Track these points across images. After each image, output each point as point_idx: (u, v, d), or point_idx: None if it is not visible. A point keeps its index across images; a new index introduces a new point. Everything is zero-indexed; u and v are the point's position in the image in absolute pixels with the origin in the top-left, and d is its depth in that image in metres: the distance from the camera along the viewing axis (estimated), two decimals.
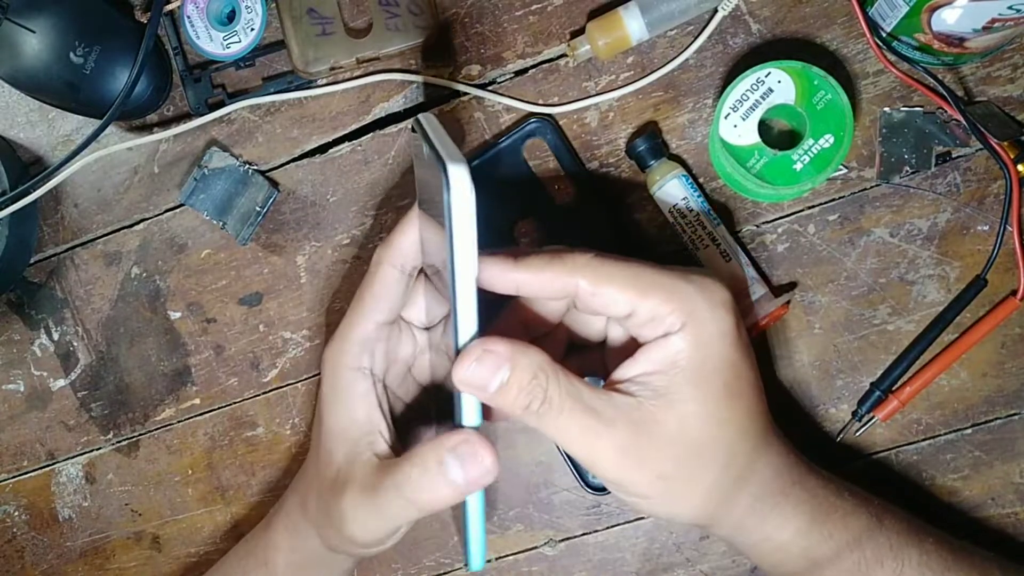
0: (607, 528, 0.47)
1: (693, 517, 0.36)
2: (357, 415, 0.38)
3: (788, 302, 0.44)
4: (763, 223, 0.45)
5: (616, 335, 0.39)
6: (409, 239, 0.37)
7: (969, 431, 0.44)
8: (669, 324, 0.33)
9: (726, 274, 0.43)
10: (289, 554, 0.42)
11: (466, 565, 0.35)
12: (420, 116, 0.34)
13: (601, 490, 0.46)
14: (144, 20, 0.48)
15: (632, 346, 0.35)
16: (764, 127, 0.41)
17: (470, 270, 0.31)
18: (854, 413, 0.44)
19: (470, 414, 0.33)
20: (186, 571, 0.52)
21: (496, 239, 0.47)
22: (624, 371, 0.35)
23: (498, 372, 0.32)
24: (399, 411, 0.42)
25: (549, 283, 0.34)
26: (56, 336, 0.52)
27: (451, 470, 0.32)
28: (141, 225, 0.51)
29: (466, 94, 0.47)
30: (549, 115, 0.46)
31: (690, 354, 0.33)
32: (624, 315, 0.34)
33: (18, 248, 0.51)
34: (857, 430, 0.44)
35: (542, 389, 0.32)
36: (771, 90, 0.41)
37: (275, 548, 0.43)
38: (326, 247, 0.49)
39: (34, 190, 0.48)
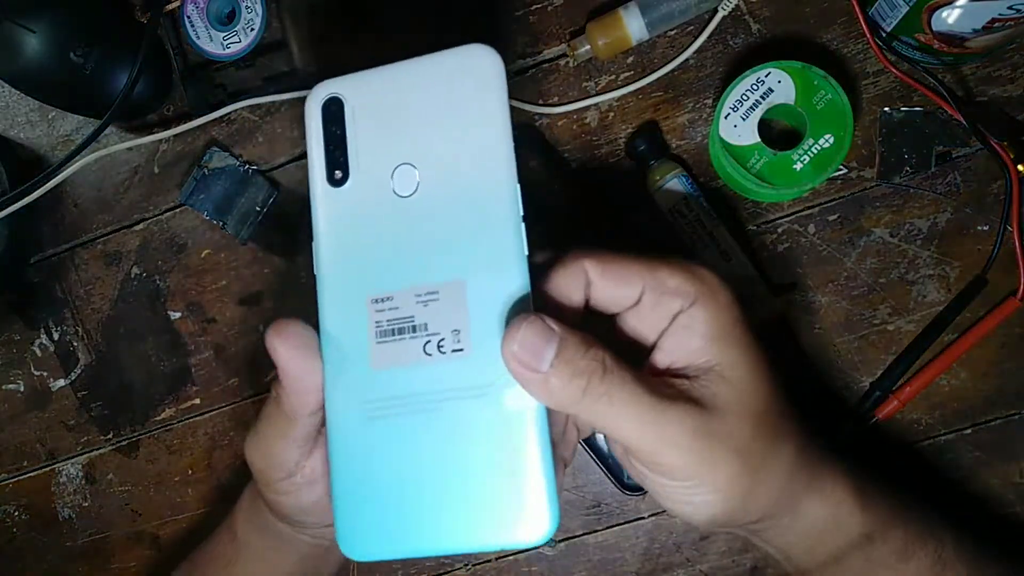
0: (607, 528, 0.47)
1: (767, 502, 0.32)
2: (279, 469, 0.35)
3: (788, 302, 0.44)
4: (763, 223, 0.45)
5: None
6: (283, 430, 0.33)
7: (969, 431, 0.44)
8: (683, 295, 0.31)
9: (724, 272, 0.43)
10: (251, 508, 0.42)
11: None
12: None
13: (639, 490, 0.45)
14: (144, 20, 0.48)
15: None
16: (764, 127, 0.41)
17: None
18: (854, 413, 0.44)
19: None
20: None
21: None
22: (657, 361, 0.32)
23: (550, 342, 0.28)
24: None
25: (558, 274, 0.32)
26: (56, 336, 0.52)
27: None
28: (141, 225, 0.51)
29: None
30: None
31: (715, 322, 0.31)
32: (634, 298, 0.32)
33: (18, 248, 0.51)
34: (857, 430, 0.44)
35: (599, 363, 0.29)
36: (771, 90, 0.41)
37: (238, 507, 0.43)
38: None
39: (34, 190, 0.48)
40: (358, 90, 0.33)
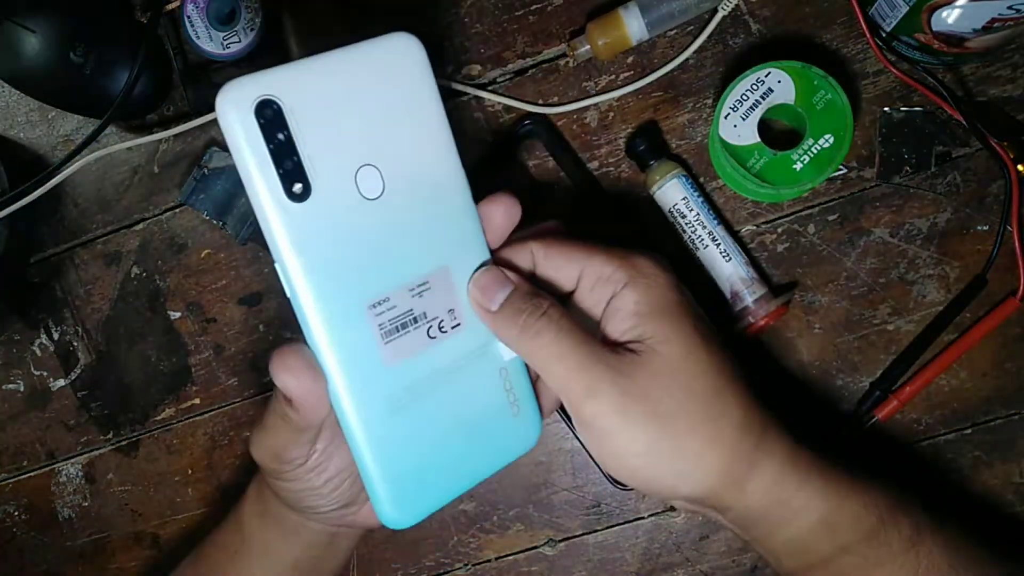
0: (607, 528, 0.47)
1: (701, 476, 0.33)
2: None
3: (788, 302, 0.44)
4: (763, 223, 0.45)
5: None
6: (283, 441, 0.35)
7: (969, 431, 0.44)
8: (616, 280, 0.34)
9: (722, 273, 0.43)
10: (257, 504, 0.42)
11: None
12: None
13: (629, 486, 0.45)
14: (144, 20, 0.48)
15: None
16: (764, 127, 0.41)
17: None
18: (854, 413, 0.44)
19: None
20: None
21: None
22: (605, 335, 0.35)
23: (503, 287, 0.34)
24: None
25: (507, 252, 0.35)
26: (56, 336, 0.52)
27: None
28: (141, 225, 0.51)
29: (466, 94, 0.47)
30: (544, 115, 0.46)
31: (647, 300, 0.34)
32: (573, 280, 0.35)
33: (18, 248, 0.51)
34: (857, 430, 0.44)
35: (540, 308, 0.33)
36: (771, 90, 0.41)
37: (246, 499, 0.43)
38: None
39: (34, 190, 0.48)
40: (290, 88, 0.29)
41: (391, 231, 0.32)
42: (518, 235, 0.36)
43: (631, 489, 0.46)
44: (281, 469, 0.36)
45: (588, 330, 0.34)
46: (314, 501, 0.37)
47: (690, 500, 0.35)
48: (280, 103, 0.29)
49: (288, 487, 0.37)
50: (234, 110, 0.28)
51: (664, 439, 0.33)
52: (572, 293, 0.36)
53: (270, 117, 0.29)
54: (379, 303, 0.32)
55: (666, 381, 0.33)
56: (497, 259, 0.35)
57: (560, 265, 0.35)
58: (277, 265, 0.30)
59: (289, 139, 0.29)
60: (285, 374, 0.31)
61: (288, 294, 0.31)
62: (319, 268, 0.30)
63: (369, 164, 0.31)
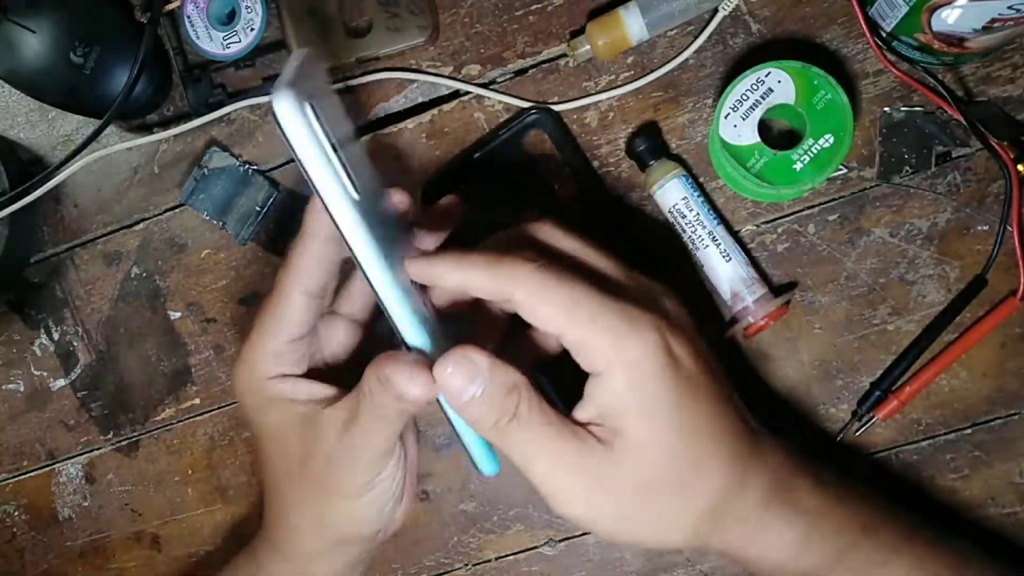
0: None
1: (668, 546, 0.36)
2: (297, 406, 0.37)
3: (788, 302, 0.44)
4: (763, 223, 0.45)
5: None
6: (306, 260, 0.36)
7: (969, 431, 0.44)
8: (597, 363, 0.33)
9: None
10: (287, 573, 0.41)
11: (477, 470, 0.36)
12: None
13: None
14: (144, 20, 0.48)
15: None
16: (764, 127, 0.41)
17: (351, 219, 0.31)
18: (854, 413, 0.44)
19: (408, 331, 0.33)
20: (186, 571, 0.52)
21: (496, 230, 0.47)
22: (580, 413, 0.34)
23: (474, 382, 0.32)
24: None
25: (488, 288, 0.33)
26: (56, 336, 0.52)
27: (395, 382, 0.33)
28: (141, 225, 0.51)
29: (466, 93, 0.47)
30: (549, 107, 0.46)
31: (626, 396, 0.33)
32: (552, 337, 0.33)
33: (18, 248, 0.51)
34: (857, 430, 0.44)
35: (513, 406, 0.32)
36: (771, 90, 0.41)
37: (266, 573, 0.42)
38: None
39: (34, 190, 0.48)
40: (312, 90, 0.30)
41: (386, 228, 0.34)
42: (502, 269, 0.33)
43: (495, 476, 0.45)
44: (378, 467, 0.37)
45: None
46: (369, 517, 0.38)
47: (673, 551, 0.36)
48: (316, 105, 0.30)
49: (357, 504, 0.37)
50: (297, 108, 0.28)
51: (637, 517, 0.34)
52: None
53: (317, 117, 0.30)
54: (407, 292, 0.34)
55: (635, 470, 0.33)
56: (468, 295, 0.35)
57: (543, 319, 0.33)
58: (361, 262, 0.31)
59: (330, 137, 0.30)
60: (414, 386, 0.32)
61: (376, 290, 0.32)
62: (382, 258, 0.32)
63: (349, 164, 0.31)
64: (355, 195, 0.31)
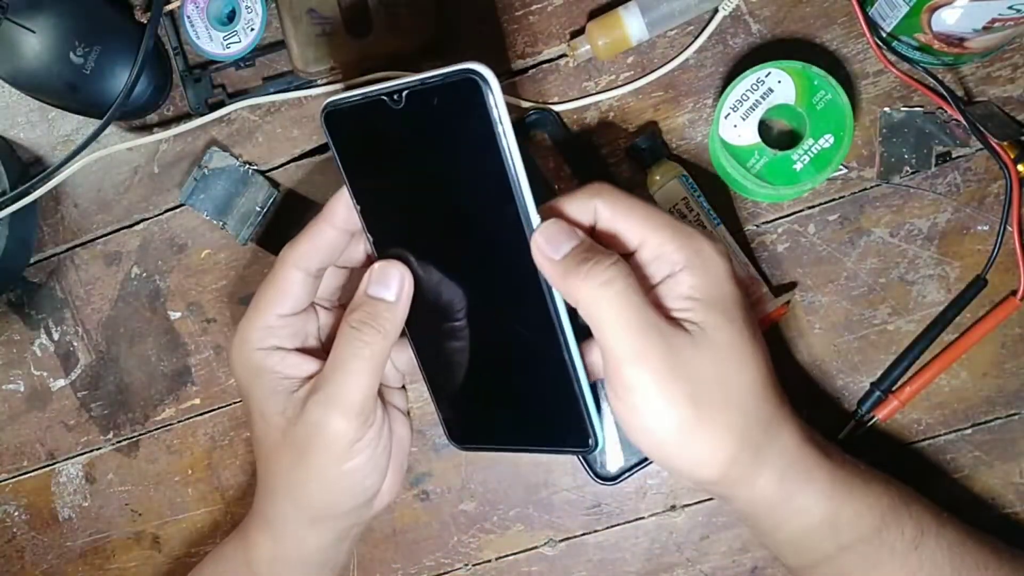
0: (607, 528, 0.47)
1: (717, 465, 0.34)
2: (282, 380, 0.38)
3: (788, 302, 0.44)
4: (763, 223, 0.45)
5: None
6: (317, 242, 0.38)
7: (969, 431, 0.44)
8: (675, 261, 0.34)
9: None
10: (272, 548, 0.41)
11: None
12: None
13: (608, 480, 0.45)
14: (144, 20, 0.48)
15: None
16: (764, 127, 0.41)
17: (518, 157, 0.32)
18: (854, 413, 0.44)
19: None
20: (186, 571, 0.52)
21: None
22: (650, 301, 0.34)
23: (569, 238, 0.33)
24: None
25: (573, 207, 0.34)
26: (56, 336, 0.52)
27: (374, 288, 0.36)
28: (141, 225, 0.51)
29: None
30: (549, 107, 0.46)
31: (704, 287, 0.33)
32: (634, 246, 0.34)
33: (18, 248, 0.51)
34: (857, 430, 0.44)
35: (610, 258, 0.33)
36: (771, 90, 0.41)
37: (254, 545, 0.42)
38: None
39: (34, 190, 0.48)
40: None
41: None
42: (580, 191, 0.35)
43: (616, 483, 0.45)
44: (360, 430, 0.37)
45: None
46: (358, 486, 0.39)
47: (701, 483, 0.35)
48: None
49: (347, 469, 0.37)
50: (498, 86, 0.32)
51: (694, 424, 0.33)
52: (630, 256, 0.35)
53: None
54: None
55: (710, 367, 0.33)
56: (558, 212, 0.35)
57: (623, 229, 0.34)
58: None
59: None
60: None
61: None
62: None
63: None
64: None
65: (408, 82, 0.33)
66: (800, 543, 0.37)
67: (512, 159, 0.32)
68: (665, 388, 0.32)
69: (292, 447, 0.37)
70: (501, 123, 0.32)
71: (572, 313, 0.34)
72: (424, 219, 0.36)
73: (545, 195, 0.35)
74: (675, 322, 0.33)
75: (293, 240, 0.38)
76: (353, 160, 0.36)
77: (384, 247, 0.38)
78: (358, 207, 0.37)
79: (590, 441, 0.35)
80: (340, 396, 0.36)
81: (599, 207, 0.34)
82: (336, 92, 0.36)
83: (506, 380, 0.37)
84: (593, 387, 0.35)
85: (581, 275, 0.32)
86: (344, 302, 0.42)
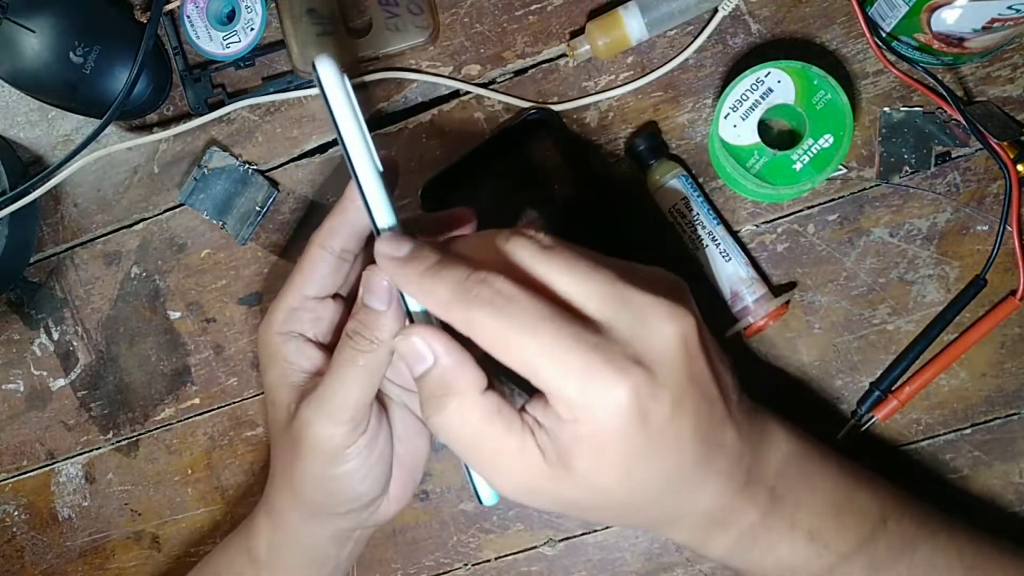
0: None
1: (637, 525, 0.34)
2: (293, 370, 0.38)
3: (788, 302, 0.44)
4: (763, 223, 0.45)
5: None
6: (338, 220, 0.38)
7: (969, 431, 0.44)
8: (560, 410, 0.30)
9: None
10: (271, 534, 0.42)
11: (479, 501, 0.35)
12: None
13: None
14: (144, 20, 0.48)
15: None
16: (764, 127, 0.41)
17: (363, 154, 0.32)
18: (854, 413, 0.44)
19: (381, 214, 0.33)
20: (186, 571, 0.52)
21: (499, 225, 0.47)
22: (536, 414, 0.31)
23: (425, 360, 0.31)
24: None
25: (448, 319, 0.30)
26: (56, 336, 0.52)
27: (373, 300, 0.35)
28: (141, 225, 0.51)
29: (466, 93, 0.47)
30: (549, 107, 0.46)
31: (583, 443, 0.30)
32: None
33: (18, 248, 0.51)
34: (857, 430, 0.44)
35: (459, 379, 0.31)
36: (771, 90, 0.41)
37: (257, 531, 0.43)
38: None
39: (34, 190, 0.48)
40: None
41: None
42: (464, 279, 0.30)
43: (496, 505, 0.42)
44: (350, 437, 0.37)
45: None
46: (350, 491, 0.38)
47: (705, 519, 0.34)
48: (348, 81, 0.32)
49: (335, 473, 0.37)
50: (339, 77, 0.32)
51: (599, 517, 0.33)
52: None
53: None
54: None
55: (585, 499, 0.31)
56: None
57: (508, 362, 0.29)
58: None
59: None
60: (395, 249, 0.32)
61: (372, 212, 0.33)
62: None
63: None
64: (378, 164, 0.33)
65: None
66: (787, 566, 0.36)
67: (351, 156, 0.32)
68: (547, 491, 0.31)
69: (289, 441, 0.38)
70: (336, 119, 0.32)
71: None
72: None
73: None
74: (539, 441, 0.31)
75: (320, 225, 0.38)
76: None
77: None
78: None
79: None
80: (329, 402, 0.36)
81: (478, 342, 0.30)
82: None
83: None
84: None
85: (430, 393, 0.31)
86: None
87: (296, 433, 0.37)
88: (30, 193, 0.48)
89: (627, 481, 0.30)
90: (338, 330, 0.40)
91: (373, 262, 0.33)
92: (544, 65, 0.47)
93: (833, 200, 0.45)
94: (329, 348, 0.39)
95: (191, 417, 0.51)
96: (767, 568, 0.36)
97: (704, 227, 0.43)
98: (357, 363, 0.35)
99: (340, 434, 0.36)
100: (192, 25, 0.47)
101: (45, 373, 0.53)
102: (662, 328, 0.30)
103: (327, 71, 0.31)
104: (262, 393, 0.50)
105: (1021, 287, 0.42)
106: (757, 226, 0.45)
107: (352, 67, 0.48)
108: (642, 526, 0.34)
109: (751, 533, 0.35)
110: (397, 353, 0.32)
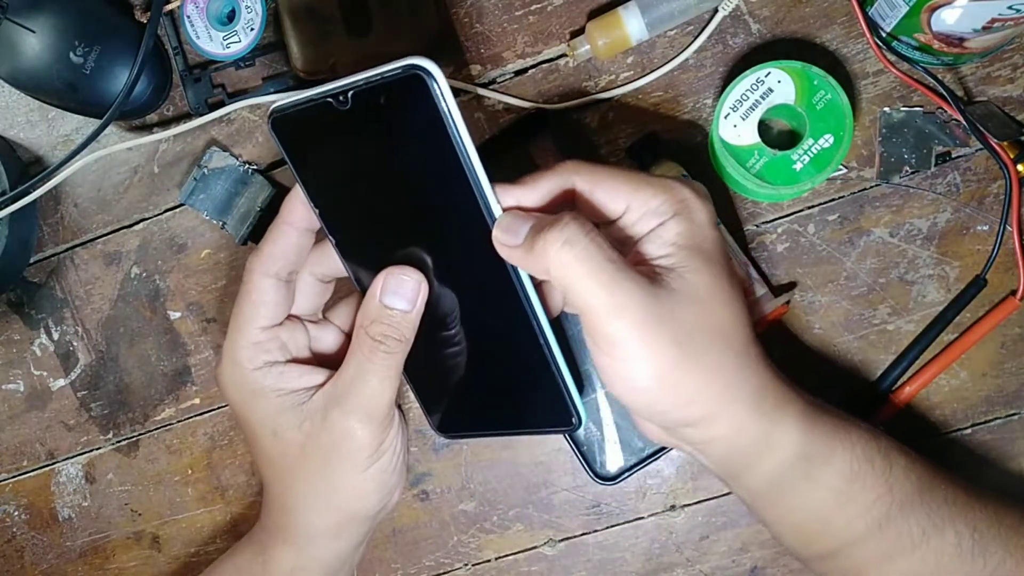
0: (607, 528, 0.47)
1: (704, 402, 0.34)
2: (287, 396, 0.39)
3: (788, 302, 0.44)
4: (763, 223, 0.45)
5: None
6: (280, 246, 0.38)
7: (969, 431, 0.44)
8: (663, 213, 0.34)
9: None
10: (296, 558, 0.41)
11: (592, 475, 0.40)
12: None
13: (608, 480, 0.45)
14: (144, 20, 0.48)
15: None
16: (764, 127, 0.41)
17: (472, 151, 0.33)
18: (854, 413, 0.44)
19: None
20: (186, 571, 0.52)
21: None
22: (632, 257, 0.35)
23: (525, 222, 0.34)
24: None
25: (547, 190, 0.35)
26: (56, 336, 0.52)
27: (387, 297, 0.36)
28: (141, 225, 0.51)
29: (466, 93, 0.47)
30: (549, 108, 0.46)
31: (688, 234, 0.34)
32: (619, 212, 0.35)
33: (18, 248, 0.51)
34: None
35: (563, 221, 0.32)
36: (771, 90, 0.41)
37: (274, 559, 0.41)
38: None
39: (34, 190, 0.48)
40: None
41: None
42: (553, 171, 0.35)
43: (616, 483, 0.45)
44: (386, 431, 0.38)
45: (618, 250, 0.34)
46: (384, 488, 0.40)
47: (685, 424, 0.35)
48: None
49: (373, 471, 0.38)
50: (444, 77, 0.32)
51: (680, 364, 0.33)
52: (614, 221, 0.35)
53: None
54: None
55: (689, 309, 0.33)
56: (531, 191, 0.35)
57: (606, 199, 0.34)
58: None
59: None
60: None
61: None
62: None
63: None
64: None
65: (352, 82, 0.33)
66: (776, 481, 0.36)
67: (465, 150, 0.32)
68: (648, 334, 0.32)
69: (315, 458, 0.38)
70: (451, 116, 0.32)
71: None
72: (386, 217, 0.36)
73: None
74: (651, 268, 0.34)
75: (257, 247, 0.38)
76: (307, 164, 0.36)
77: (348, 247, 0.38)
78: (317, 210, 0.37)
79: (573, 419, 0.36)
80: (365, 406, 0.37)
81: (577, 181, 0.35)
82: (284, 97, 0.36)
83: (484, 366, 0.38)
84: (572, 365, 0.36)
85: (540, 245, 0.32)
86: (337, 321, 0.43)
87: (329, 445, 0.38)
88: (30, 193, 0.48)
89: (728, 277, 0.34)
90: (317, 345, 0.41)
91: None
92: (544, 65, 0.47)
93: (833, 200, 0.45)
94: (308, 363, 0.40)
95: (191, 417, 0.51)
96: (755, 485, 0.36)
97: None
98: (387, 364, 0.37)
99: (377, 435, 0.38)
100: (192, 25, 0.47)
101: (45, 373, 0.53)
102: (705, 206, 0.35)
103: (436, 71, 0.31)
104: None
105: (1021, 287, 0.42)
106: (757, 226, 0.45)
107: (352, 67, 0.47)
108: (699, 403, 0.34)
109: (792, 464, 0.35)
110: (497, 235, 0.34)
